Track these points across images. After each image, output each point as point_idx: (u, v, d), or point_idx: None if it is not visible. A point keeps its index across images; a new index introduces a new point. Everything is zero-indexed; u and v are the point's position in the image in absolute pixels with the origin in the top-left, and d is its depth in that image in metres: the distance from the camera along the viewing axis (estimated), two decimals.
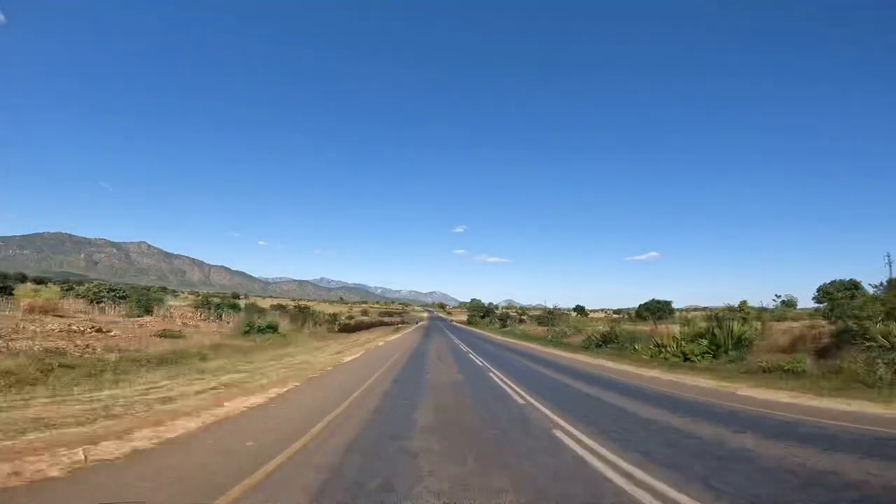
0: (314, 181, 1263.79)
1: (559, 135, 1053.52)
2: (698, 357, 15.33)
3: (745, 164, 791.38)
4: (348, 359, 16.79)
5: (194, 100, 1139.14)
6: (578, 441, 5.43)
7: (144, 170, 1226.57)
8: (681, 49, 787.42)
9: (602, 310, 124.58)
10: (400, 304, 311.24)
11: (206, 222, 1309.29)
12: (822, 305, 34.36)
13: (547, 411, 7.43)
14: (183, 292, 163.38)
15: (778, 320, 24.52)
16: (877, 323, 11.62)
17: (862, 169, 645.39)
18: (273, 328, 25.65)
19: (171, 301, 51.83)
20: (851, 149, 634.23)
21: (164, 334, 19.17)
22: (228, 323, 31.26)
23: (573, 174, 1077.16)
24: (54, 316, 23.66)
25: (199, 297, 59.31)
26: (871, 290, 19.52)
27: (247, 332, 23.66)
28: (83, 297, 36.36)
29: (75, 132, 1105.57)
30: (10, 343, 12.36)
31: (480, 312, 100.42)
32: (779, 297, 37.16)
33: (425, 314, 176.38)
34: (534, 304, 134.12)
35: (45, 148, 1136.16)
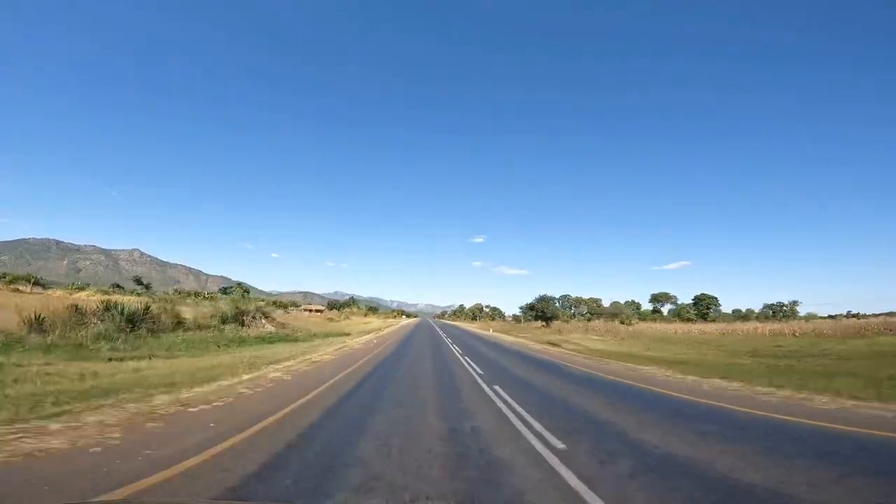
0: (329, 193, 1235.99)
1: (577, 142, 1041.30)
2: None
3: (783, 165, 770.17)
4: None
5: (204, 111, 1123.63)
6: None
7: (150, 179, 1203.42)
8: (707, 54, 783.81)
9: None
10: (396, 310, 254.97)
11: (219, 234, 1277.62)
12: None
13: None
14: None
15: None
16: None
17: None
18: None
19: None
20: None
21: None
22: None
23: (593, 183, 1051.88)
24: None
25: None
26: None
27: None
28: None
29: (73, 136, 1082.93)
30: None
31: None
32: None
33: (409, 320, 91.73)
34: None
35: (41, 152, 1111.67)
